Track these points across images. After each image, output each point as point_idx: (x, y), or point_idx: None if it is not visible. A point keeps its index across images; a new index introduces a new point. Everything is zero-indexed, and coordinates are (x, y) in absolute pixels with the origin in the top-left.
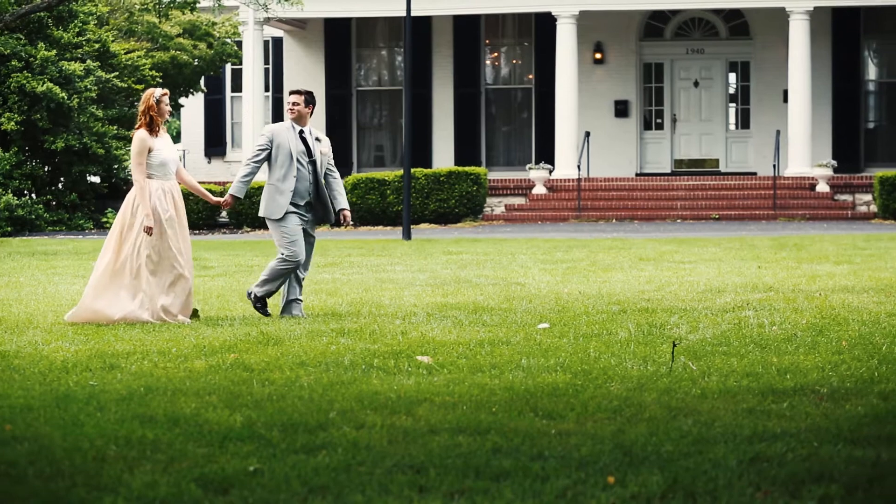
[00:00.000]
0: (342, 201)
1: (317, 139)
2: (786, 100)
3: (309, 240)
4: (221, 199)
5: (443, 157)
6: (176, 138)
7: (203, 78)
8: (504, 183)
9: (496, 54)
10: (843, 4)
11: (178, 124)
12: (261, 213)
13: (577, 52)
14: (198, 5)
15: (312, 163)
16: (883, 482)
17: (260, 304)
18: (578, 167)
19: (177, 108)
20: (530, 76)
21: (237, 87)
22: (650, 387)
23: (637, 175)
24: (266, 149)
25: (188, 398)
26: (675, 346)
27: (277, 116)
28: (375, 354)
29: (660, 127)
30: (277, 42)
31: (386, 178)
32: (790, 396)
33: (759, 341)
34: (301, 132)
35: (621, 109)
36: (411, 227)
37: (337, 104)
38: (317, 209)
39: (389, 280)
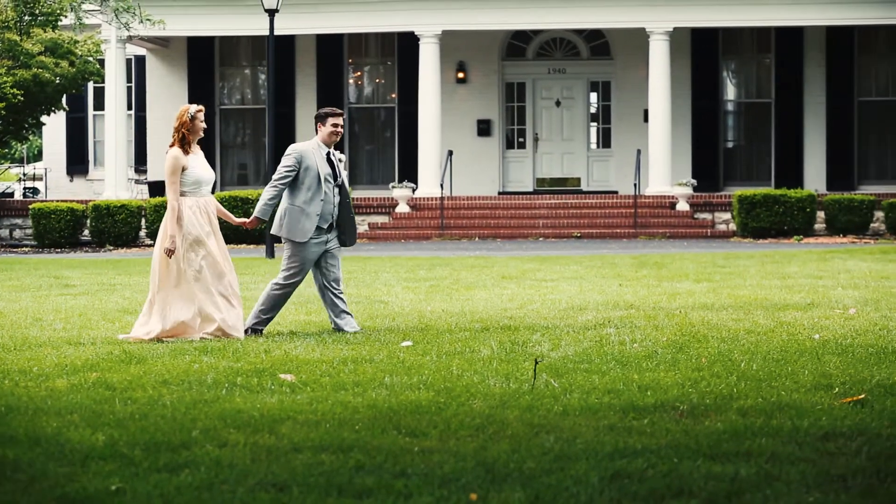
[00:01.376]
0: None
1: (340, 160)
2: (646, 119)
3: (334, 253)
4: (246, 220)
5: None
6: (37, 157)
7: (65, 96)
8: (367, 201)
9: (359, 73)
10: (702, 25)
11: (39, 143)
12: (282, 234)
13: (440, 71)
14: (60, 23)
15: (339, 185)
16: (741, 497)
17: (256, 332)
18: (441, 186)
19: (38, 126)
20: (393, 95)
21: (100, 105)
22: (512, 404)
23: (500, 193)
24: (294, 170)
25: (49, 417)
26: (537, 363)
27: (140, 135)
28: (238, 372)
29: (522, 146)
30: (140, 60)
31: (250, 197)
32: (651, 413)
33: (620, 358)
34: (328, 154)
35: (484, 128)
36: (274, 245)
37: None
38: (341, 230)
39: (253, 298)
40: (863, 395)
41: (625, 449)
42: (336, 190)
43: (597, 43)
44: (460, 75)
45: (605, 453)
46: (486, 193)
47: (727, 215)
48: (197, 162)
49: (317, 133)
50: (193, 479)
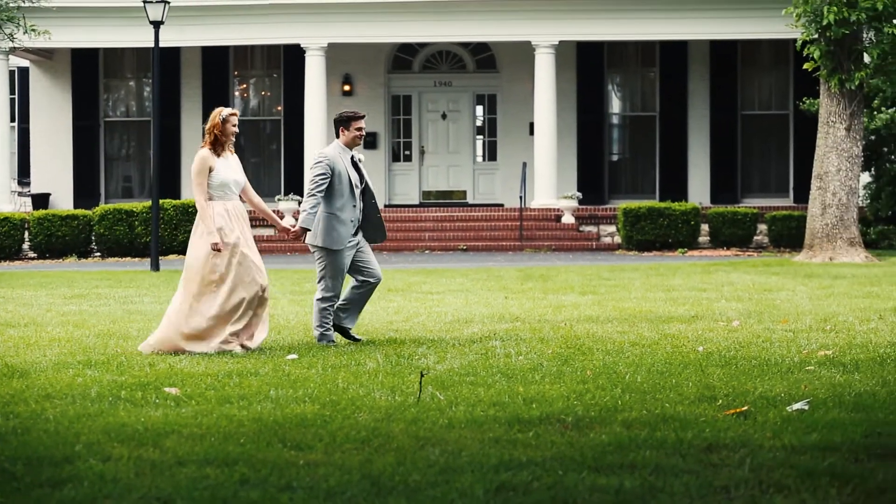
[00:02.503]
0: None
1: (360, 160)
2: (532, 132)
3: (367, 249)
4: (291, 227)
5: (191, 188)
6: None
7: None
8: (254, 214)
9: (245, 86)
10: (587, 39)
11: None
12: (317, 243)
13: (326, 83)
14: None
15: (364, 188)
16: None
17: (332, 341)
18: None
19: None
20: (280, 108)
21: None
22: (398, 417)
23: (386, 206)
24: (328, 176)
25: None
26: (422, 376)
27: (24, 147)
28: (123, 386)
29: (408, 159)
30: (23, 72)
31: (134, 210)
32: (536, 425)
33: (505, 371)
34: (352, 157)
35: (370, 141)
36: (160, 258)
37: (84, 135)
38: (369, 231)
39: (138, 311)
40: (746, 407)
41: (510, 461)
42: (361, 194)
43: (483, 56)
44: (346, 88)
45: (490, 466)
46: None
47: (612, 228)
48: (225, 165)
49: (338, 137)
50: (77, 494)
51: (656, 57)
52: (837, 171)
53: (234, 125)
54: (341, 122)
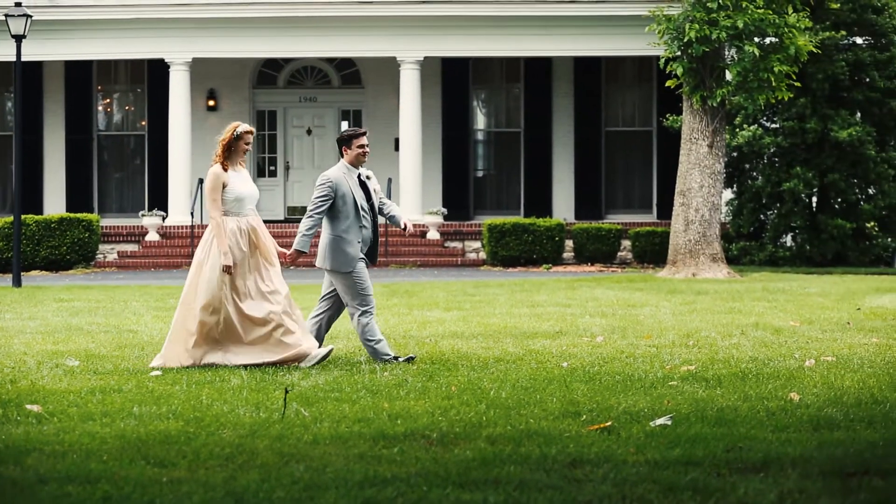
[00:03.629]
0: (402, 214)
1: (367, 178)
2: (398, 148)
3: None
4: (284, 252)
5: (54, 203)
6: None
7: None
8: (117, 230)
9: (109, 100)
10: (452, 55)
11: None
12: (327, 266)
13: (191, 98)
14: None
15: (372, 208)
16: None
17: (396, 358)
18: (192, 214)
19: None
20: (144, 122)
21: None
22: (262, 433)
23: None
24: (329, 199)
25: None
26: (287, 392)
27: None
28: None
29: (273, 174)
30: None
31: None
32: (401, 441)
33: (370, 387)
34: (358, 176)
35: None
36: (21, 274)
37: None
38: (368, 252)
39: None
40: (609, 423)
41: (375, 477)
42: (370, 214)
43: (348, 72)
44: (211, 103)
45: (354, 482)
46: None
47: (477, 244)
48: (239, 179)
49: (342, 157)
50: None
51: (521, 73)
52: (700, 188)
53: (248, 143)
54: (343, 142)
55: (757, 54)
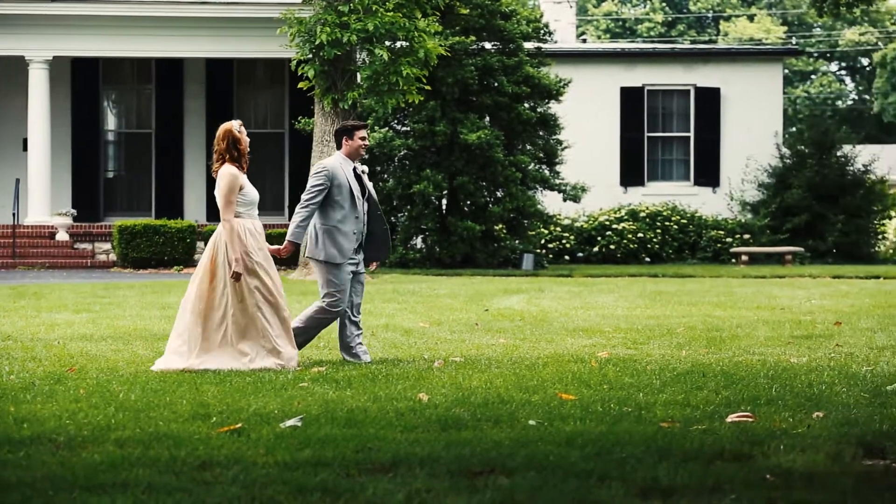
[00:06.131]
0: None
1: (364, 172)
2: (26, 148)
3: (359, 278)
4: (280, 247)
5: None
6: None
7: None
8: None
9: None
10: (81, 55)
11: None
12: (319, 257)
13: None
14: None
15: (367, 200)
16: None
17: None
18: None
19: None
20: None
21: None
22: None
23: None
24: (325, 188)
25: None
26: None
27: None
28: None
29: None
30: None
31: None
32: (27, 446)
33: None
34: (354, 168)
35: None
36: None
37: None
38: (371, 246)
39: None
40: (240, 424)
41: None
42: (365, 206)
43: None
44: None
45: None
46: None
47: (108, 245)
48: (249, 182)
49: (340, 148)
50: None
51: (153, 74)
52: None
53: (246, 136)
54: (344, 132)
55: (387, 58)
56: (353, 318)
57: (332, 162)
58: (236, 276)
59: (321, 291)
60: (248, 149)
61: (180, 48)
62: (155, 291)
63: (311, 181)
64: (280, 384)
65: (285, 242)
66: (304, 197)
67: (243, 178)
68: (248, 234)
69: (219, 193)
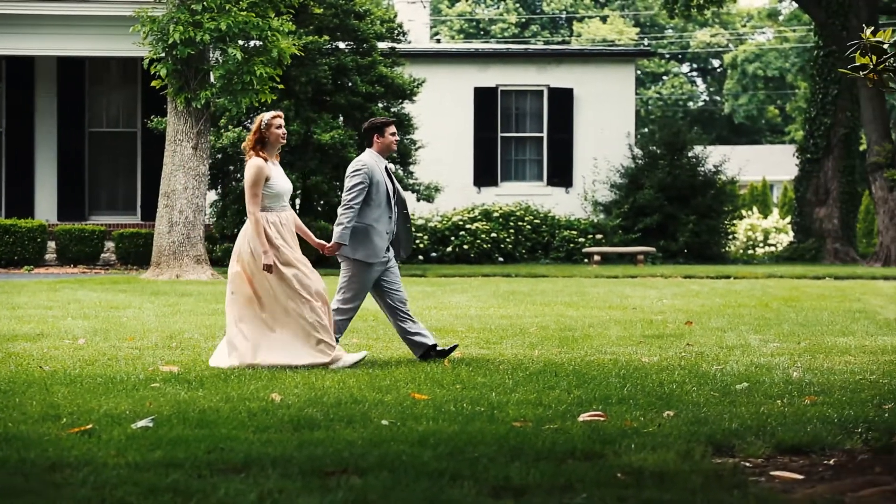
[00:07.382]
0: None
1: (392, 169)
2: None
3: (395, 271)
4: (327, 245)
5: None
6: None
7: None
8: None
9: None
10: None
11: None
12: (353, 255)
13: None
14: None
15: (398, 200)
16: None
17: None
18: None
19: None
20: None
21: None
22: None
23: None
24: (366, 186)
25: None
26: None
27: None
28: None
29: None
30: None
31: None
32: None
33: None
34: (385, 167)
35: None
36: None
37: None
38: (398, 242)
39: None
40: (90, 425)
41: None
42: (396, 205)
43: None
44: None
45: None
46: None
47: None
48: (279, 173)
49: (371, 146)
50: None
51: (3, 72)
52: (185, 189)
53: (279, 127)
54: (375, 129)
55: (241, 57)
56: (408, 316)
57: (367, 159)
58: (268, 268)
59: (340, 288)
60: (285, 140)
61: (30, 46)
62: (4, 292)
63: (353, 180)
64: (132, 384)
65: (332, 242)
66: (345, 197)
67: (271, 170)
68: (273, 227)
69: (245, 186)
